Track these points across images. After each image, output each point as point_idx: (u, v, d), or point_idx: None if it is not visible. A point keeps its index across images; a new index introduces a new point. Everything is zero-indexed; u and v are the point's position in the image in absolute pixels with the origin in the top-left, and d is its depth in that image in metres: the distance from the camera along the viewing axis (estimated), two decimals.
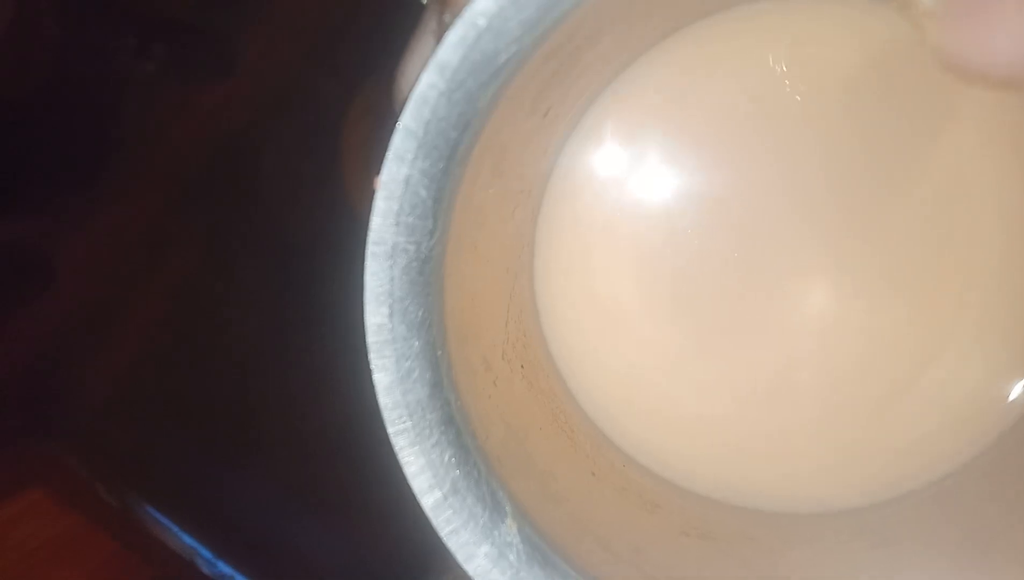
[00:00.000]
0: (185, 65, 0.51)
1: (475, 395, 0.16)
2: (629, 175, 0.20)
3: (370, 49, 0.46)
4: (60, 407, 0.54)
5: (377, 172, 0.14)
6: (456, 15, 0.13)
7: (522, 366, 0.19)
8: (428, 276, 0.15)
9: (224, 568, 0.52)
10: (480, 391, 0.17)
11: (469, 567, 0.15)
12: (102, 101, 0.51)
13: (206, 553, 0.52)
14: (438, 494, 0.15)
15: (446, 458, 0.15)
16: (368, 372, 0.15)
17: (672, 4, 0.18)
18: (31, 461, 0.53)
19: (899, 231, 0.20)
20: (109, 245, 0.54)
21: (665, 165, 0.20)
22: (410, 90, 0.13)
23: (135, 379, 0.55)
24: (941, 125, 0.19)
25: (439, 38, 0.13)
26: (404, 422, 0.15)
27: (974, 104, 0.19)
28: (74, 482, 0.52)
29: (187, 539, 0.52)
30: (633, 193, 0.20)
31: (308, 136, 0.51)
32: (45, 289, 0.53)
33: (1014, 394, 0.20)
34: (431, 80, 0.13)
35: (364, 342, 0.15)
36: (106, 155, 0.52)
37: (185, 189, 0.53)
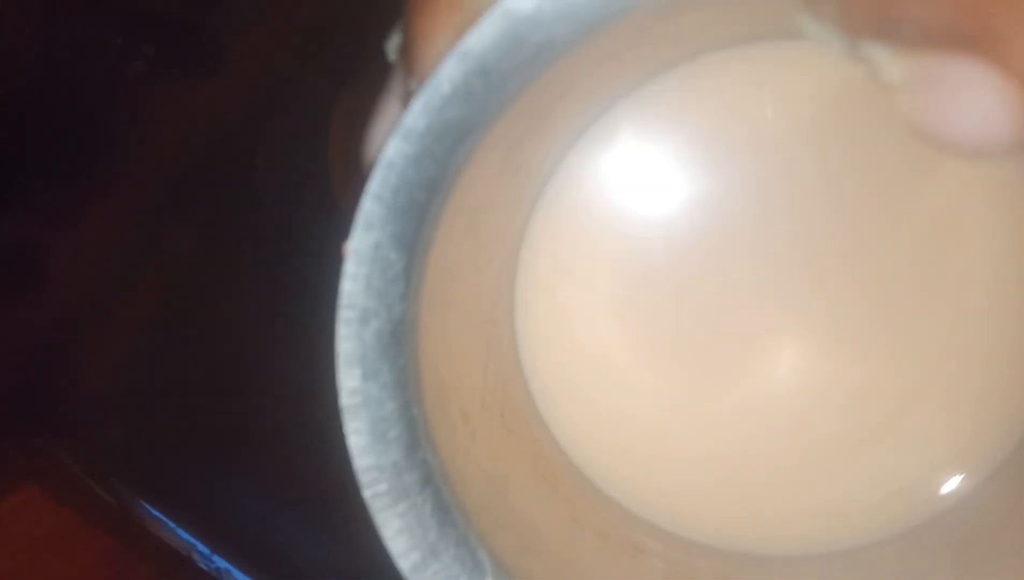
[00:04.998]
0: (174, 63, 0.50)
1: (453, 450, 0.16)
2: (609, 221, 0.20)
3: (360, 45, 0.46)
4: (54, 403, 0.54)
5: (346, 238, 0.14)
6: (421, 82, 0.13)
7: (502, 414, 0.19)
8: (401, 337, 0.14)
9: (221, 563, 0.52)
10: (458, 445, 0.17)
11: None
12: (91, 98, 0.51)
13: (203, 548, 0.52)
14: (416, 556, 0.15)
15: (424, 519, 0.15)
16: None
17: (642, 60, 0.18)
18: (25, 457, 0.53)
19: (881, 291, 0.19)
20: (101, 242, 0.53)
21: (644, 211, 0.20)
22: (377, 154, 0.13)
23: (129, 375, 0.55)
24: (926, 171, 0.19)
25: (405, 103, 0.13)
26: (380, 485, 0.15)
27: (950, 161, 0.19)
28: (69, 478, 0.52)
29: (183, 534, 0.53)
30: (613, 238, 0.20)
31: (300, 133, 0.50)
32: (36, 286, 0.53)
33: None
34: (398, 146, 0.13)
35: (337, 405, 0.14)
36: (96, 153, 0.51)
37: (177, 187, 0.53)
